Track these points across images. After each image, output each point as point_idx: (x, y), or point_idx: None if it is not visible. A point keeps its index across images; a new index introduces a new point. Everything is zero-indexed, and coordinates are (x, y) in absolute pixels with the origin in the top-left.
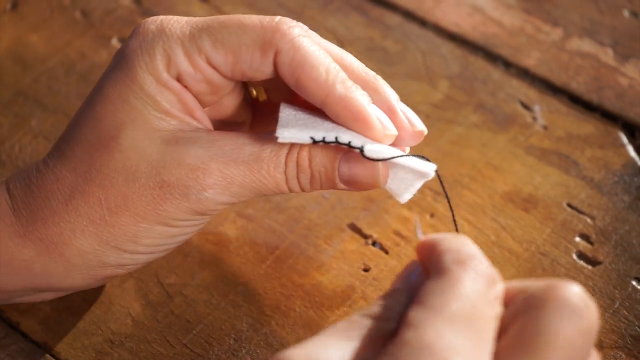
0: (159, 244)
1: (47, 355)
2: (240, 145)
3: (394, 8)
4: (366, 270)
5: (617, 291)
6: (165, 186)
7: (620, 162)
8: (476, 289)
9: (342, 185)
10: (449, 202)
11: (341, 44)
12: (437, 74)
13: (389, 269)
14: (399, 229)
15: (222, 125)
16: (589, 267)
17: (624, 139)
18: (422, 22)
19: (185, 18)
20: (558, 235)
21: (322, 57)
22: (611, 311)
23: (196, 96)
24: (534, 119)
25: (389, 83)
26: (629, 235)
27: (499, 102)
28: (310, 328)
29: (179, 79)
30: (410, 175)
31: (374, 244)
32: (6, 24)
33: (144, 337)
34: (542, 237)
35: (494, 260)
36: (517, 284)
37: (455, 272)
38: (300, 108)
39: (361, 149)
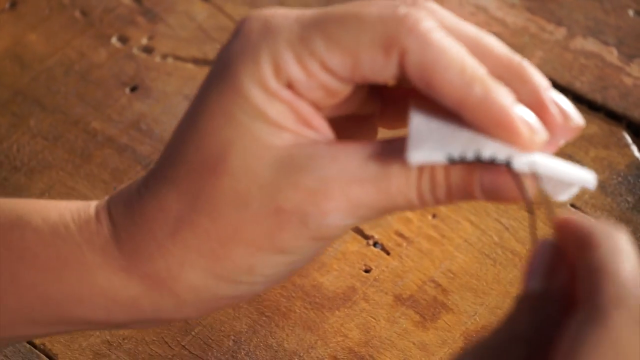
0: (278, 272)
1: (44, 357)
2: (365, 159)
3: None
4: (367, 271)
5: None
6: (282, 213)
7: (624, 163)
8: (636, 345)
9: (482, 197)
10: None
11: None
12: None
13: (390, 270)
14: (400, 230)
15: (346, 120)
16: None
17: (628, 139)
18: None
19: (294, 12)
20: None
21: (457, 54)
22: None
23: (312, 103)
24: None
25: None
26: (633, 236)
27: None
28: (310, 329)
29: (289, 87)
30: (565, 182)
31: (375, 244)
32: (5, 23)
33: (142, 338)
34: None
35: (496, 261)
36: None
37: (615, 321)
38: (433, 109)
39: (507, 164)
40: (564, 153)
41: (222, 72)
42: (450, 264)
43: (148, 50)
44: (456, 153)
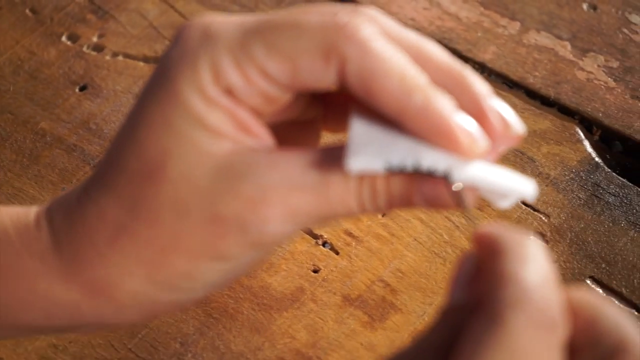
0: (218, 279)
1: None
2: (305, 167)
3: (349, 2)
4: (316, 271)
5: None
6: (220, 221)
7: (576, 158)
8: (538, 347)
9: (423, 206)
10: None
11: None
12: None
13: (339, 270)
14: (350, 229)
15: (289, 126)
16: None
17: (581, 134)
18: None
19: (235, 19)
20: None
21: (397, 61)
22: None
23: (252, 110)
24: None
25: None
26: (584, 233)
27: None
28: (258, 331)
29: (229, 93)
30: (505, 191)
31: (324, 244)
32: None
33: (89, 341)
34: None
35: (446, 260)
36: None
37: (510, 323)
38: (375, 115)
39: (446, 176)
40: (516, 149)
41: (161, 79)
42: (400, 263)
43: (98, 48)
44: (395, 163)
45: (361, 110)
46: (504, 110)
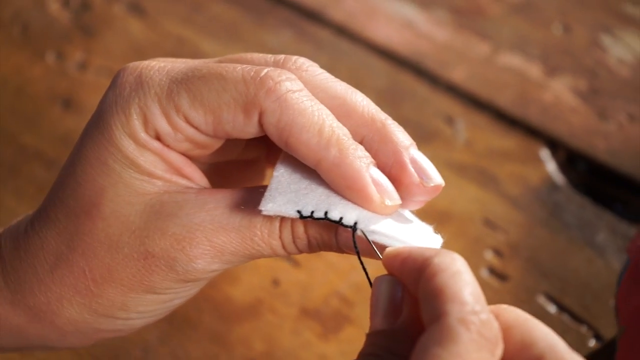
0: (153, 309)
1: None
2: (231, 207)
3: (327, 23)
4: (276, 283)
5: (522, 306)
6: (150, 257)
7: (538, 178)
8: None
9: (340, 251)
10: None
11: None
12: (365, 89)
13: (298, 283)
14: None
15: (231, 165)
16: (498, 282)
17: (545, 154)
18: (353, 37)
19: (169, 66)
20: (469, 250)
21: (315, 115)
22: None
23: (182, 153)
24: (456, 134)
25: None
26: (540, 250)
27: (424, 116)
28: (217, 341)
29: (158, 138)
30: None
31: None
32: None
33: None
34: (453, 251)
35: None
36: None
37: (463, 341)
38: (299, 166)
39: (353, 228)
40: (479, 167)
41: (98, 121)
42: (357, 277)
43: (83, 66)
44: (306, 210)
45: (289, 156)
46: (424, 162)
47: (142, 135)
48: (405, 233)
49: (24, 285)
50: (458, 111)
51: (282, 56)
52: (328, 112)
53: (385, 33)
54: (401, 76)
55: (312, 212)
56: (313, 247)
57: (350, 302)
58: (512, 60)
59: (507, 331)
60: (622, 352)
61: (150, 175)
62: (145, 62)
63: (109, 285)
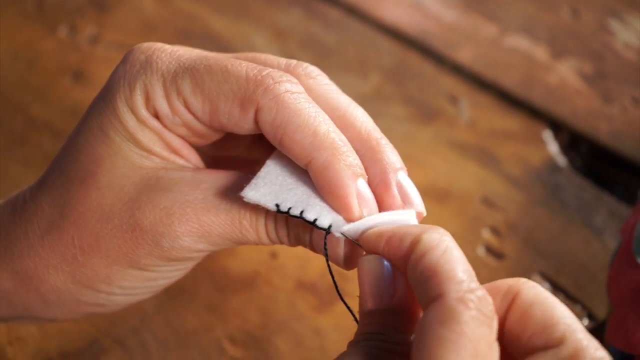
0: (137, 287)
1: None
2: (225, 189)
3: (337, 2)
4: (273, 256)
5: None
6: (138, 230)
7: (540, 159)
8: (485, 340)
9: (313, 250)
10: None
11: (281, 36)
12: (371, 68)
13: (295, 256)
14: None
15: (237, 162)
16: (495, 260)
17: (548, 136)
18: (362, 17)
19: (179, 51)
20: (468, 229)
21: (311, 117)
22: None
23: (181, 137)
24: (460, 113)
25: None
26: (537, 230)
27: (428, 96)
28: (212, 311)
29: (157, 118)
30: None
31: None
32: None
33: None
34: (451, 230)
35: None
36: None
37: (465, 319)
38: (291, 164)
39: (327, 230)
40: (481, 146)
41: (105, 94)
42: None
43: (95, 40)
44: (284, 206)
45: (282, 154)
46: (409, 188)
47: (143, 112)
48: (378, 218)
49: (14, 249)
50: (462, 91)
51: (294, 61)
52: (326, 117)
53: (393, 13)
54: (408, 56)
55: (290, 209)
56: (292, 241)
57: (347, 276)
58: (519, 42)
59: (529, 308)
60: (610, 330)
61: (149, 151)
62: (159, 44)
63: (95, 255)
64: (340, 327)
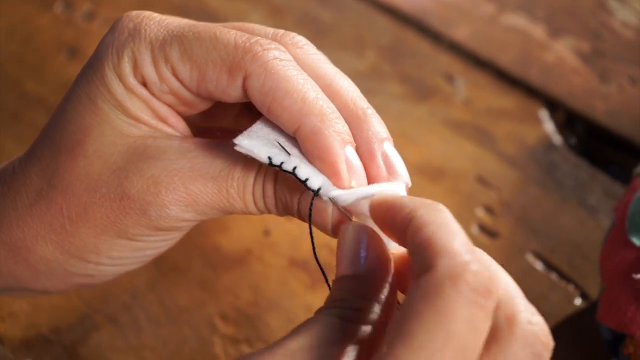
0: (125, 257)
1: None
2: (213, 157)
3: None
4: (266, 233)
5: (511, 263)
6: (126, 199)
7: (535, 138)
8: (470, 323)
9: (300, 218)
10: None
11: (277, 13)
12: (367, 45)
13: (288, 234)
14: None
15: (225, 133)
16: (488, 239)
17: (545, 114)
18: None
19: (166, 19)
20: (461, 207)
21: (299, 83)
22: None
23: (168, 106)
24: (456, 91)
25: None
26: (531, 209)
27: (424, 74)
28: (204, 288)
29: (145, 86)
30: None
31: None
32: None
33: None
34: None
35: None
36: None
37: (449, 297)
38: (280, 130)
39: (315, 191)
40: (477, 125)
41: (93, 62)
42: None
43: (90, 16)
44: (277, 160)
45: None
46: (394, 159)
47: (131, 80)
48: (368, 189)
49: (3, 220)
50: (459, 69)
51: (282, 31)
52: (315, 84)
53: None
54: (404, 33)
55: (282, 163)
56: (280, 211)
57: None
58: (516, 20)
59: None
60: (602, 309)
61: (137, 119)
62: (148, 12)
63: (83, 225)
64: None
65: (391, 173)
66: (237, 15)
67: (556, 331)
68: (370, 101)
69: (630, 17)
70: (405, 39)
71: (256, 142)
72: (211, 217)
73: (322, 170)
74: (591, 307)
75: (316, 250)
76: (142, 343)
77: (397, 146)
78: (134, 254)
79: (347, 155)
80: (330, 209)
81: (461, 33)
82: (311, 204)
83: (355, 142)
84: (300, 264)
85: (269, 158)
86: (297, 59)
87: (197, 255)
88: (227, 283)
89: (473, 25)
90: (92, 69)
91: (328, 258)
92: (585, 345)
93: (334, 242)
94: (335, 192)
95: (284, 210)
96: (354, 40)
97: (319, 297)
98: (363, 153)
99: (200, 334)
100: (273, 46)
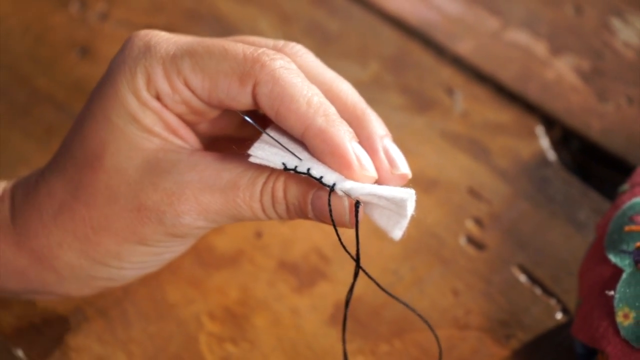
0: (145, 261)
1: None
2: (219, 170)
3: None
4: (259, 235)
5: (495, 275)
6: (143, 209)
7: (530, 153)
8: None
9: (314, 219)
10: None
11: (286, 21)
12: (371, 56)
13: (280, 237)
14: None
15: (229, 141)
16: (475, 250)
17: (541, 130)
18: (367, 5)
19: (176, 37)
20: (452, 218)
21: (304, 88)
22: (485, 295)
23: (179, 116)
24: (454, 104)
25: (323, 61)
26: (520, 223)
27: (425, 86)
28: (195, 286)
29: (158, 99)
30: (391, 209)
31: None
32: None
33: None
34: (435, 218)
35: (381, 236)
36: None
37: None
38: (288, 134)
39: (331, 187)
40: (473, 138)
41: (107, 79)
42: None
43: (104, 16)
44: (291, 164)
45: (280, 127)
46: (394, 153)
47: (144, 94)
48: (381, 189)
49: (29, 228)
50: (459, 82)
51: (282, 41)
52: (317, 90)
53: (398, 2)
54: (409, 45)
55: (296, 167)
56: (291, 214)
57: (328, 259)
58: (519, 36)
59: None
60: (576, 324)
61: (150, 132)
62: (156, 31)
63: (106, 234)
64: (316, 308)
65: (393, 166)
66: (247, 22)
67: (536, 344)
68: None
69: (632, 37)
70: (409, 50)
71: (269, 151)
72: (224, 224)
73: (333, 165)
74: (570, 321)
75: (305, 254)
76: (129, 337)
77: None
78: (153, 258)
79: (354, 148)
80: (345, 202)
81: (464, 47)
82: (329, 198)
83: (359, 139)
84: (289, 267)
85: (284, 164)
86: (299, 67)
87: (191, 254)
88: (217, 282)
89: (476, 40)
90: (106, 85)
91: (316, 262)
92: (565, 358)
93: (324, 247)
94: (349, 185)
95: (296, 213)
96: (359, 50)
97: (304, 300)
98: (365, 149)
99: (187, 330)
100: (278, 56)
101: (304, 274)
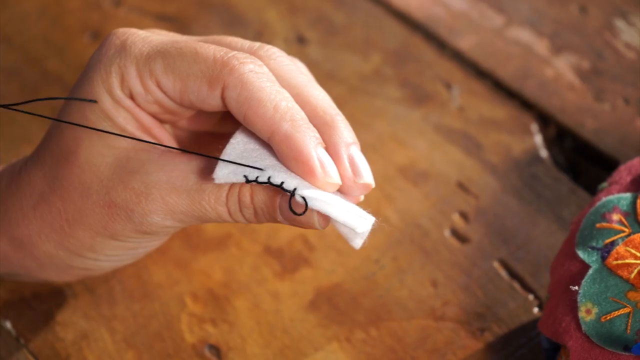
0: (120, 254)
1: None
2: (187, 172)
3: None
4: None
5: (476, 269)
6: (113, 206)
7: (522, 150)
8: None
9: (283, 222)
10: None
11: (293, 12)
12: (374, 48)
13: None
14: None
15: (210, 136)
16: (458, 243)
17: (535, 128)
18: None
19: (153, 37)
20: (438, 211)
21: (272, 93)
22: (464, 287)
23: (153, 116)
24: (451, 99)
25: (325, 52)
26: (505, 218)
27: (424, 79)
28: (181, 268)
29: (132, 98)
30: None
31: None
32: None
33: None
34: (421, 210)
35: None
36: None
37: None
38: (255, 138)
39: (292, 192)
40: (466, 133)
41: (85, 76)
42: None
43: (118, 2)
44: (252, 176)
45: (248, 129)
46: (359, 161)
47: (118, 93)
48: (341, 203)
49: (10, 216)
50: (458, 77)
51: (257, 43)
52: (287, 94)
53: None
54: (411, 39)
55: (257, 177)
56: (260, 218)
57: (313, 246)
58: (521, 34)
59: None
60: (543, 319)
61: (123, 130)
62: (134, 30)
63: (79, 228)
64: (297, 293)
65: (356, 174)
66: (255, 11)
67: (509, 338)
68: (370, 103)
69: (634, 38)
70: (412, 44)
71: (231, 169)
72: (192, 224)
73: (296, 171)
74: None
75: (290, 240)
76: (113, 314)
77: (387, 147)
78: (127, 252)
79: (319, 155)
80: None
81: (466, 43)
82: (290, 204)
83: (326, 145)
84: (274, 253)
85: (245, 177)
86: (271, 70)
87: (179, 235)
88: (203, 264)
89: (479, 36)
90: (83, 83)
91: (300, 248)
92: (536, 353)
93: (309, 234)
94: (308, 192)
95: (265, 218)
96: (362, 42)
97: (286, 285)
98: (331, 155)
99: (169, 310)
100: (249, 60)
101: (288, 260)
